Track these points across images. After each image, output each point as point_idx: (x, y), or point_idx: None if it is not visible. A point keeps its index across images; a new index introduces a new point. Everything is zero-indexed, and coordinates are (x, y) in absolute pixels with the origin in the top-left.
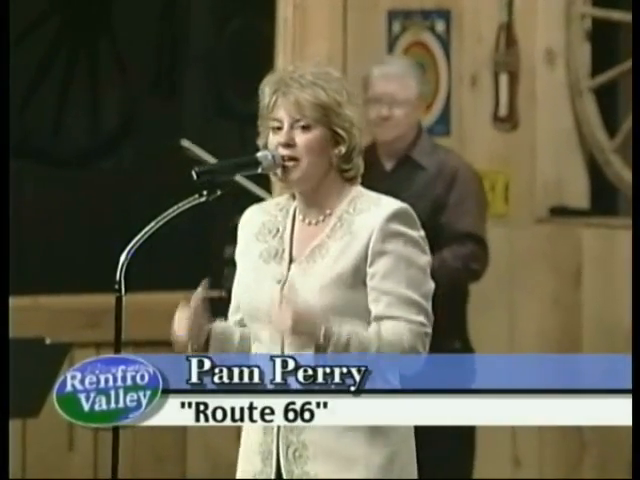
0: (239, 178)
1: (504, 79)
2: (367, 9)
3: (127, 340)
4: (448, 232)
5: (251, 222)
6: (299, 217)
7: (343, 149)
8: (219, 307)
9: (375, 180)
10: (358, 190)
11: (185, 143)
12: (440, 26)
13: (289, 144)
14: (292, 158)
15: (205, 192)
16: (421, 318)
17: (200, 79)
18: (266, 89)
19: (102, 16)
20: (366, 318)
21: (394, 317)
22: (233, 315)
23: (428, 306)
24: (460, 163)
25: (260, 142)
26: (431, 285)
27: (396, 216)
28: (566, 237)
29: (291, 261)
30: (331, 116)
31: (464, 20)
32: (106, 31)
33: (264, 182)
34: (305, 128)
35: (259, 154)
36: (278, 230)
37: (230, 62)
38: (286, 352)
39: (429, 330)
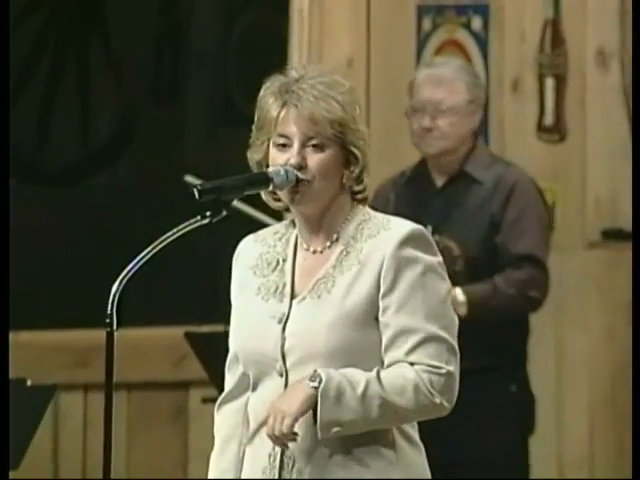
0: (237, 203)
1: (550, 83)
2: (394, 3)
3: (119, 382)
4: (503, 254)
5: (246, 254)
6: (302, 246)
7: (356, 170)
8: (223, 343)
9: (425, 198)
10: (365, 212)
11: (189, 179)
12: (477, 23)
13: (301, 166)
14: (304, 180)
15: (209, 213)
16: (444, 357)
17: (206, 82)
18: (270, 99)
19: (93, 11)
20: (378, 360)
21: (409, 354)
22: (233, 365)
23: (453, 340)
24: (520, 177)
25: (254, 157)
26: (454, 317)
27: (409, 240)
28: (621, 264)
29: (293, 297)
30: (347, 133)
31: (504, 16)
32: (98, 28)
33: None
34: (318, 147)
35: (270, 169)
36: (278, 262)
37: (239, 63)
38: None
39: (452, 369)
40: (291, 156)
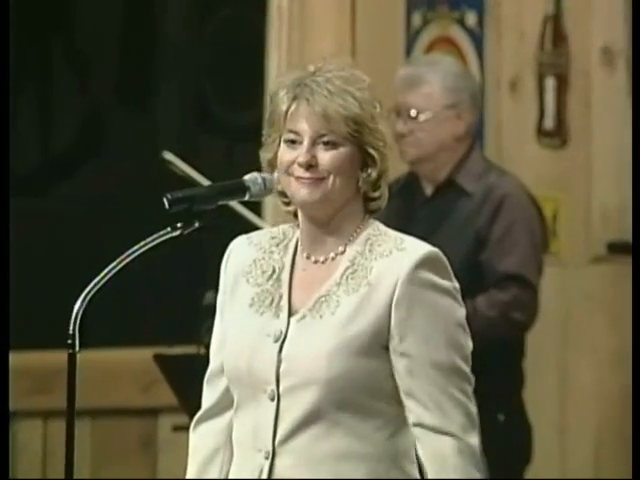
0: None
1: (551, 84)
2: None
3: (83, 408)
4: (488, 273)
5: (239, 258)
6: (302, 254)
7: (374, 173)
8: (197, 366)
9: (413, 208)
10: (375, 226)
11: (168, 156)
12: (471, 18)
13: (310, 165)
14: (314, 179)
15: (180, 224)
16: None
17: (178, 85)
18: (281, 92)
19: (56, 7)
20: (386, 393)
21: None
22: (215, 379)
23: (468, 370)
24: (511, 188)
25: (266, 156)
26: (471, 346)
27: (426, 263)
28: (629, 280)
29: (291, 313)
30: (364, 133)
31: (501, 11)
32: (60, 25)
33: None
34: (331, 145)
35: (247, 177)
36: (274, 271)
37: (214, 64)
38: (280, 429)
39: (474, 409)
40: (300, 154)
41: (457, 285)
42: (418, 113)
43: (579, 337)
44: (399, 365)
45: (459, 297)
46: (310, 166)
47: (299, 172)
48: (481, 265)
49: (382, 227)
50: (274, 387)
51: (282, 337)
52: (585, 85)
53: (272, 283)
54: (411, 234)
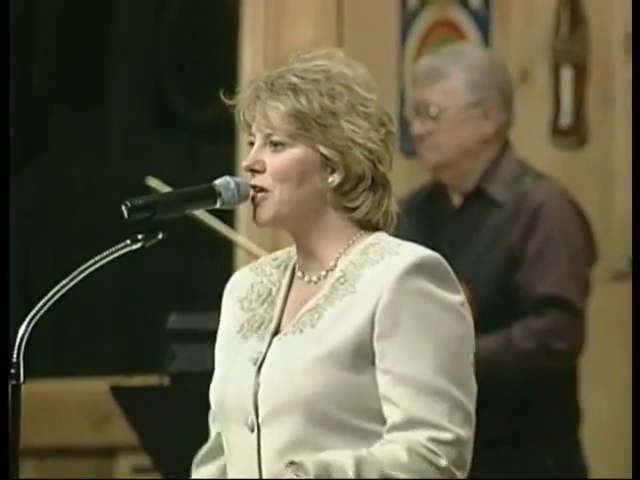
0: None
1: (567, 74)
2: None
3: (27, 447)
4: (523, 297)
5: (237, 287)
6: (298, 274)
7: (337, 178)
8: (159, 399)
9: (441, 220)
10: (375, 237)
11: (153, 183)
12: None
13: (253, 169)
14: (260, 189)
15: (140, 236)
16: (453, 418)
17: (133, 79)
18: (243, 93)
19: None
20: (379, 413)
21: (408, 410)
22: (214, 420)
23: (468, 402)
24: (548, 194)
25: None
26: (471, 373)
27: (419, 268)
28: None
29: (277, 333)
30: (313, 130)
31: None
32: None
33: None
34: (279, 147)
35: (218, 182)
36: (270, 293)
37: (175, 54)
38: (263, 462)
39: (463, 434)
40: (247, 158)
41: (462, 299)
42: (438, 112)
43: (595, 365)
44: (380, 385)
45: (464, 312)
46: (254, 171)
47: (250, 179)
48: (515, 287)
49: (384, 236)
50: (253, 416)
51: (261, 359)
52: (606, 76)
53: (265, 307)
54: (438, 251)
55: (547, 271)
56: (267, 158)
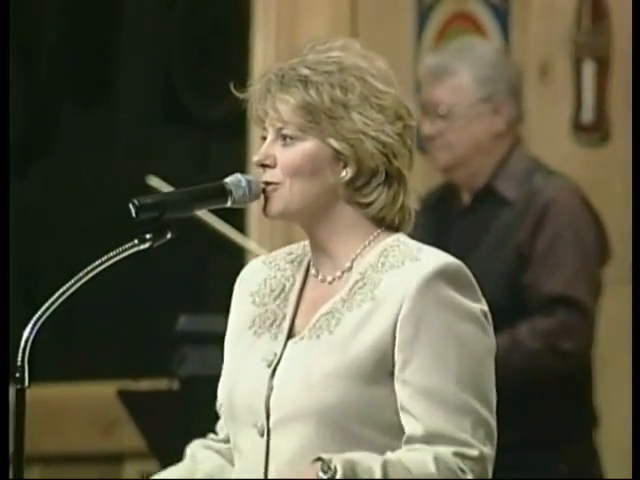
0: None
1: (589, 69)
2: None
3: (33, 454)
4: (532, 296)
5: (250, 278)
6: (312, 271)
7: (349, 172)
8: (168, 404)
9: (451, 219)
10: (396, 238)
11: (153, 182)
12: None
13: (264, 164)
14: (271, 183)
15: (149, 235)
16: (477, 434)
17: (143, 74)
18: (253, 86)
19: None
20: (395, 427)
21: (430, 424)
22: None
23: (491, 417)
24: (558, 191)
25: None
26: (493, 387)
27: (441, 275)
28: None
29: (291, 335)
30: (323, 123)
31: None
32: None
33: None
34: (289, 140)
35: (228, 180)
36: (283, 289)
37: (186, 49)
38: (271, 468)
39: (486, 451)
40: (258, 153)
41: (485, 308)
42: (447, 110)
43: (615, 372)
44: (400, 396)
45: (486, 323)
46: (265, 165)
47: (261, 175)
48: (523, 286)
49: (404, 238)
50: (264, 420)
51: (276, 361)
52: (629, 70)
53: (278, 302)
54: (447, 251)
55: (555, 270)
56: (278, 153)
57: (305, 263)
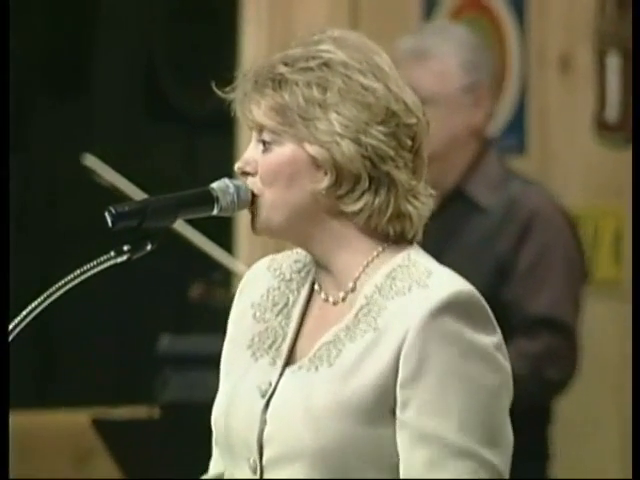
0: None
1: (614, 62)
2: None
3: None
4: (513, 316)
5: (252, 288)
6: (316, 287)
7: (327, 179)
8: (148, 434)
9: None
10: (405, 256)
11: (89, 161)
12: None
13: (244, 171)
14: (253, 194)
15: (126, 247)
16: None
17: (123, 64)
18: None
19: None
20: (391, 467)
21: (428, 472)
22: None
23: (501, 465)
24: (541, 202)
25: None
26: (508, 430)
27: (450, 307)
28: None
29: (290, 361)
30: (297, 125)
31: None
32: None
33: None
34: (267, 145)
35: (215, 185)
36: (287, 303)
37: (172, 42)
38: None
39: None
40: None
41: (498, 340)
42: (427, 97)
43: (616, 394)
44: (398, 438)
45: (498, 357)
46: (245, 173)
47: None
48: (503, 303)
49: (415, 255)
50: (257, 457)
51: (270, 391)
52: None
53: (280, 319)
54: None
55: (541, 289)
56: (260, 159)
57: (311, 277)
